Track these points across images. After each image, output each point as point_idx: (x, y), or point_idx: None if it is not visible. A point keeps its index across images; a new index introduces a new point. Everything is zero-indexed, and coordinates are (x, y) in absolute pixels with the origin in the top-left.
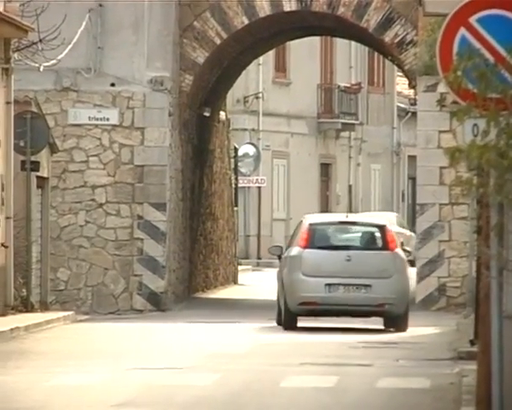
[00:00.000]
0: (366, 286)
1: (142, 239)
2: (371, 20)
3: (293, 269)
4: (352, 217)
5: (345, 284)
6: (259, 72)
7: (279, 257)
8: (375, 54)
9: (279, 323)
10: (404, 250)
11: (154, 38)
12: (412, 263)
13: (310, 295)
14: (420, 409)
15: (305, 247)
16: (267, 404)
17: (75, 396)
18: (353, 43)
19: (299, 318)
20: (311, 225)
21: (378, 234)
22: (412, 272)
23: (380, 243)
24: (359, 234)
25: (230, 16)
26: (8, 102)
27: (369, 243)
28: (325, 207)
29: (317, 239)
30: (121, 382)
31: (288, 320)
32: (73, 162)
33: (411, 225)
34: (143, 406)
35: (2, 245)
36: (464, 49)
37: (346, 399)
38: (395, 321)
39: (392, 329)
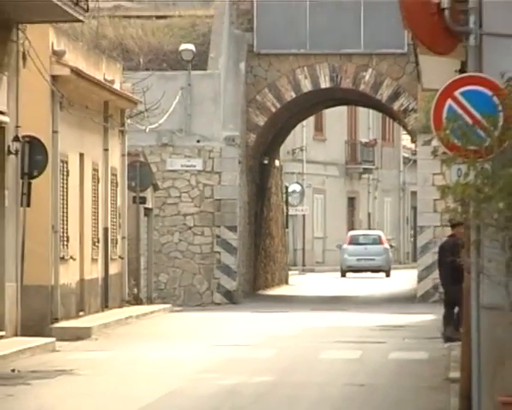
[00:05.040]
0: (372, 260)
1: (219, 252)
2: (384, 94)
3: (343, 253)
4: (367, 232)
5: (364, 259)
6: (303, 131)
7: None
8: (387, 118)
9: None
10: (391, 245)
11: (228, 108)
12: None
13: (349, 264)
14: (421, 374)
15: (349, 244)
16: (311, 370)
17: (170, 366)
18: (371, 110)
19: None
20: (351, 235)
21: (377, 238)
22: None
23: (378, 241)
24: (370, 238)
25: (282, 92)
26: (123, 155)
27: (373, 241)
28: (351, 229)
29: (353, 240)
30: (203, 355)
31: (342, 274)
32: (170, 197)
33: (414, 241)
34: (221, 373)
35: (120, 257)
36: (451, 114)
37: (367, 367)
38: (385, 273)
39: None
